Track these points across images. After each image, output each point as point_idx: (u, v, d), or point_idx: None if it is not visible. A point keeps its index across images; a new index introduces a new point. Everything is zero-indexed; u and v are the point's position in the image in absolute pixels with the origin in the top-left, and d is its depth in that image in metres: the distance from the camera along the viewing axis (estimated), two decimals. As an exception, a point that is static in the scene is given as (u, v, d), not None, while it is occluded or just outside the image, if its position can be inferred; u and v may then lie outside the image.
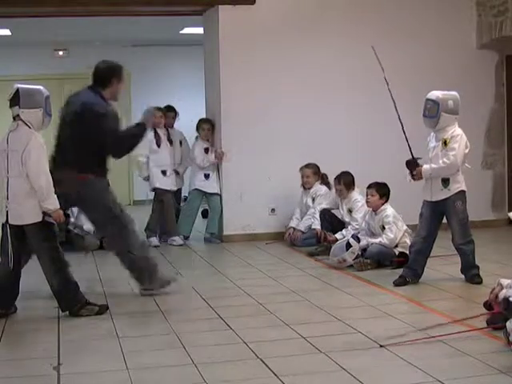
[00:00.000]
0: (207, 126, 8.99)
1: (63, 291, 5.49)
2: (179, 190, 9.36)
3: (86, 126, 5.85)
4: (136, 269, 6.10)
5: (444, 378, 3.96)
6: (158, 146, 8.80)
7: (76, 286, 5.53)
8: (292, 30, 8.90)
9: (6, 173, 5.36)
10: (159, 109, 8.94)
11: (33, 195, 5.30)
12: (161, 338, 4.95)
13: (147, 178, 8.94)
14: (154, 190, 8.97)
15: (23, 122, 5.33)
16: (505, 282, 4.91)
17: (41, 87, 5.50)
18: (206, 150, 8.97)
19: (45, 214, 5.32)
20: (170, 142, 8.94)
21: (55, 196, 5.42)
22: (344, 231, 7.85)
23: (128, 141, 6.16)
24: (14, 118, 5.38)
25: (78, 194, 5.91)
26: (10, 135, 5.37)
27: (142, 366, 4.33)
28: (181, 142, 9.21)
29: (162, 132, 8.88)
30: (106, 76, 6.07)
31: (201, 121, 9.09)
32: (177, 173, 9.10)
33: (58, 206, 5.39)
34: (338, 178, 7.99)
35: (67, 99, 6.20)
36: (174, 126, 9.29)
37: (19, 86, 5.43)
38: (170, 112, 9.19)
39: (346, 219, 7.96)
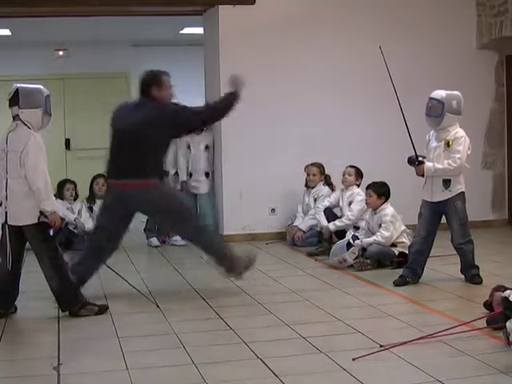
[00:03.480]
0: None
1: (63, 291, 5.48)
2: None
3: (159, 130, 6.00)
4: (214, 251, 6.20)
5: (444, 378, 3.96)
6: None
7: (76, 286, 5.53)
8: (292, 29, 8.90)
9: (5, 173, 5.35)
10: None
11: (31, 196, 5.28)
12: (161, 338, 4.95)
13: None
14: None
15: (22, 122, 5.31)
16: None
17: (40, 86, 5.47)
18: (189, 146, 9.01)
19: (41, 214, 5.30)
20: None
21: (53, 197, 5.42)
22: (337, 221, 7.89)
23: (219, 113, 6.43)
24: (14, 118, 5.37)
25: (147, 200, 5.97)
26: (9, 135, 5.35)
27: (141, 365, 4.34)
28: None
29: None
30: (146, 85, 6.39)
31: None
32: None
33: (56, 209, 5.38)
34: (352, 166, 8.03)
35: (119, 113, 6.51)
36: None
37: (18, 85, 5.41)
38: None
39: (346, 213, 7.96)
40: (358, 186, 8.02)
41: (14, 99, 5.33)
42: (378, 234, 7.09)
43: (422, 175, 6.26)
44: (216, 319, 5.37)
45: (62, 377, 4.17)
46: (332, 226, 7.91)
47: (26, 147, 5.23)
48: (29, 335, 5.17)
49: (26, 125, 5.30)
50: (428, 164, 6.19)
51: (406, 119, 6.27)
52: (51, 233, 5.37)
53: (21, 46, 12.56)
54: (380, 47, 6.48)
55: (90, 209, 8.81)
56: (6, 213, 5.38)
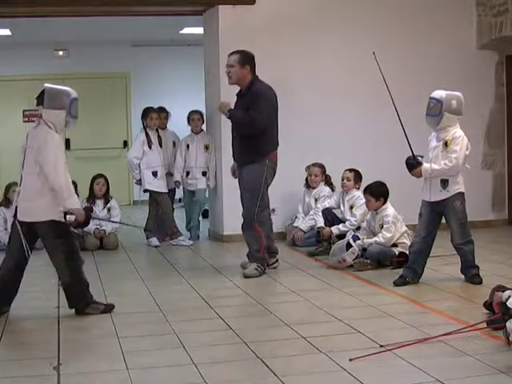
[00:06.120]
0: (197, 116, 9.17)
1: (73, 288, 5.49)
2: (173, 191, 9.39)
3: None
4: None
5: (444, 378, 3.96)
6: (150, 147, 8.83)
7: (86, 285, 5.53)
8: (292, 30, 8.90)
9: (21, 169, 5.39)
10: (154, 110, 8.98)
11: (45, 193, 5.30)
12: (161, 338, 4.95)
13: (139, 182, 8.96)
14: (146, 191, 9.01)
15: (44, 121, 5.35)
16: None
17: (68, 89, 5.50)
18: (188, 146, 9.14)
19: (66, 214, 5.34)
20: (160, 143, 8.97)
21: (76, 195, 5.47)
22: (341, 226, 7.87)
23: None
24: (40, 116, 5.41)
25: None
26: (30, 132, 5.45)
27: (142, 365, 4.34)
28: (174, 143, 9.27)
29: (152, 133, 8.91)
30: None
31: (189, 113, 9.26)
32: (170, 174, 9.15)
33: (79, 206, 5.46)
34: (350, 169, 8.04)
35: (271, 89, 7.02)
36: (167, 126, 9.38)
37: (47, 85, 5.46)
38: (161, 113, 9.24)
39: (347, 216, 7.96)
40: (358, 188, 8.01)
41: (40, 99, 5.38)
42: (380, 235, 7.09)
43: (420, 177, 6.27)
44: (216, 319, 5.37)
45: (62, 377, 4.17)
46: (335, 230, 7.89)
47: (43, 147, 5.27)
48: (29, 335, 5.17)
49: (47, 124, 5.34)
50: (425, 165, 6.19)
51: (401, 121, 6.28)
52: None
53: (21, 46, 12.57)
54: (373, 53, 6.49)
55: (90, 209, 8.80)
56: (16, 208, 5.39)
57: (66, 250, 5.44)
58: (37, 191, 5.32)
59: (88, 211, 5.68)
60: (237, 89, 7.12)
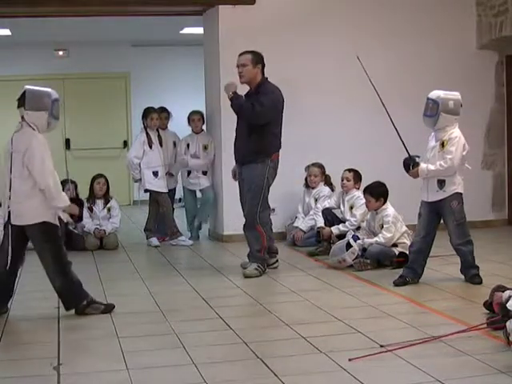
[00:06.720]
0: (197, 117, 9.20)
1: (66, 290, 5.49)
2: (173, 191, 9.40)
3: None
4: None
5: (444, 378, 3.96)
6: (150, 147, 8.84)
7: (79, 285, 5.53)
8: (292, 30, 8.90)
9: (9, 173, 5.38)
10: (154, 110, 9.00)
11: (34, 196, 5.31)
12: (161, 338, 4.95)
13: (139, 182, 8.97)
14: (146, 191, 9.02)
15: (27, 123, 5.35)
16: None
17: (49, 90, 5.49)
18: (188, 146, 9.17)
19: (59, 218, 5.38)
20: (161, 143, 8.98)
21: (63, 193, 5.46)
22: (341, 226, 7.87)
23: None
24: (22, 119, 5.40)
25: None
26: (14, 136, 5.42)
27: (142, 365, 4.34)
28: (174, 143, 9.28)
29: (153, 133, 8.92)
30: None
31: (190, 113, 9.28)
32: (171, 174, 9.16)
33: (68, 202, 5.44)
34: (350, 169, 8.04)
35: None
36: (168, 126, 9.39)
37: (27, 87, 5.46)
38: (162, 113, 9.26)
39: (347, 217, 7.96)
40: (358, 188, 8.01)
41: (21, 100, 5.37)
42: (380, 235, 7.09)
43: (417, 177, 6.27)
44: (216, 319, 5.37)
45: (62, 377, 4.17)
46: (335, 230, 7.89)
47: (29, 148, 5.27)
48: (29, 335, 5.17)
49: (30, 126, 5.33)
50: (422, 166, 6.19)
51: (393, 122, 6.29)
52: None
53: (21, 46, 12.57)
54: (358, 57, 6.49)
55: (90, 209, 8.81)
56: (9, 212, 5.39)
57: (54, 254, 5.43)
58: (26, 194, 5.32)
59: (77, 203, 5.67)
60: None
